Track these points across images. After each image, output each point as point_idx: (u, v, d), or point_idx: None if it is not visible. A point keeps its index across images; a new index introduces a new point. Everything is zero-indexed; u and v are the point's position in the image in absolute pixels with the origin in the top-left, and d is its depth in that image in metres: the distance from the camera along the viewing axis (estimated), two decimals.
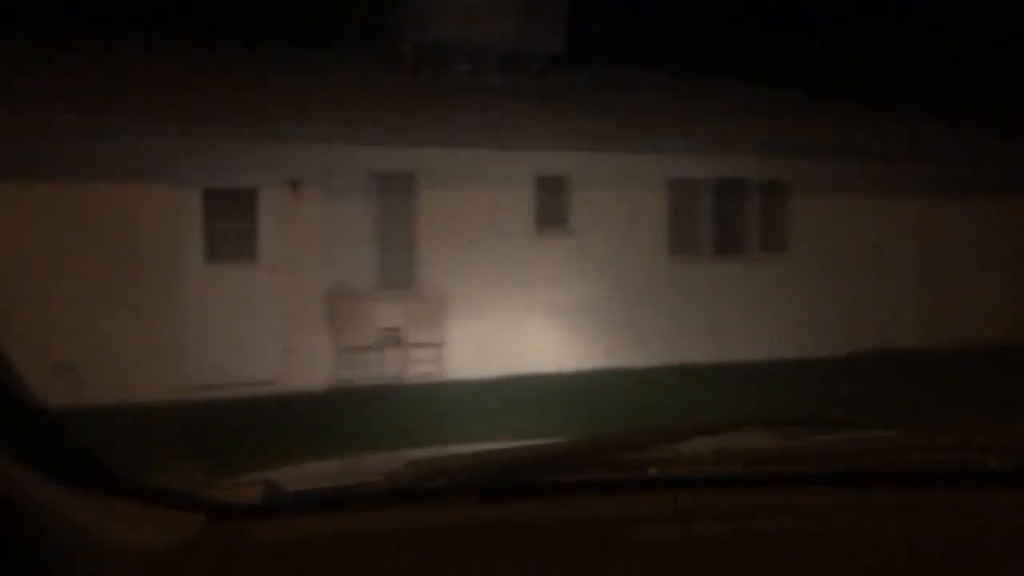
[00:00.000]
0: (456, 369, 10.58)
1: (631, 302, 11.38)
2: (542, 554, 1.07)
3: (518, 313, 10.88)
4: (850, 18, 16.58)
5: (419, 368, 10.47)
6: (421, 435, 7.28)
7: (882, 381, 10.24)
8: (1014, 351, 11.75)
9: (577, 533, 1.11)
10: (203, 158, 9.74)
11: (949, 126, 13.51)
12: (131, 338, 9.42)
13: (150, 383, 9.35)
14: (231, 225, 9.98)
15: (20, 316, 9.04)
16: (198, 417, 8.69)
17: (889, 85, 14.95)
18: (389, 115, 10.44)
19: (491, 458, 1.25)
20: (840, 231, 12.43)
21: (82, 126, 9.15)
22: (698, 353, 11.25)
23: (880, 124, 13.23)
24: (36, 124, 9.09)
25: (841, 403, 9.07)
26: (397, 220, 10.61)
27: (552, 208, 11.17)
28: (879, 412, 8.37)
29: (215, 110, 9.67)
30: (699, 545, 1.09)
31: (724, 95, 13.13)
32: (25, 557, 0.74)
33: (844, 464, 1.28)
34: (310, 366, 10.12)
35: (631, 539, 1.10)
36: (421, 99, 11.06)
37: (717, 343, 11.49)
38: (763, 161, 11.84)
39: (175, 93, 9.84)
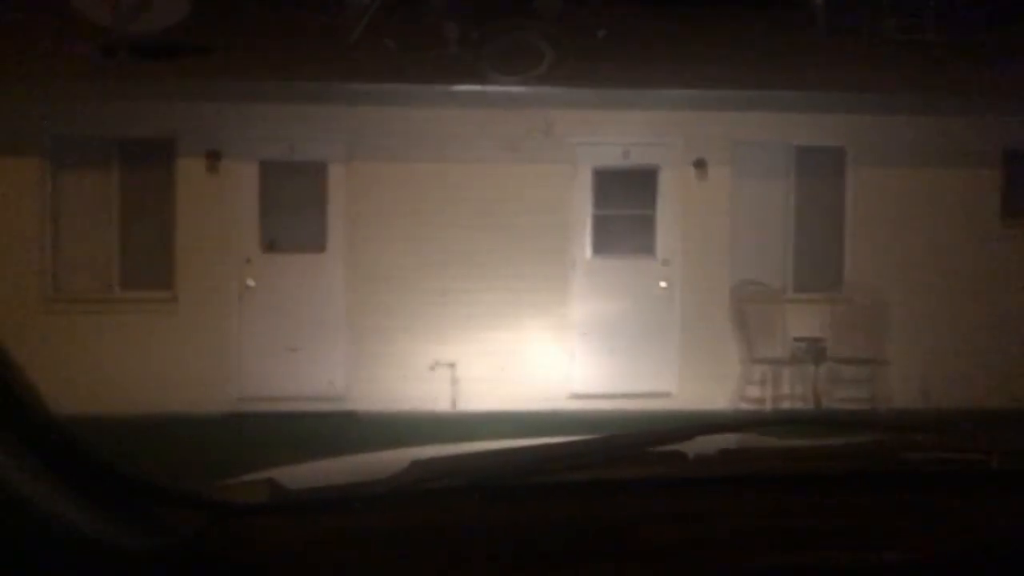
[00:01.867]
0: (894, 394, 8.36)
1: None
2: (544, 554, 1.01)
3: (977, 327, 8.43)
4: None
5: (847, 391, 8.37)
6: None
7: None
8: None
9: (579, 533, 1.05)
10: (591, 129, 8.39)
11: None
12: (512, 342, 8.24)
13: (532, 391, 8.14)
14: (623, 211, 8.54)
15: (409, 311, 8.22)
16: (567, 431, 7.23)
17: None
18: (811, 77, 8.47)
19: (494, 458, 1.24)
20: None
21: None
22: None
23: None
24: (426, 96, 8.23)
25: None
26: (820, 205, 8.64)
27: None
28: None
29: (606, 72, 8.26)
30: (702, 545, 1.03)
31: None
32: (25, 557, 0.72)
33: (846, 464, 1.27)
34: (710, 379, 8.40)
35: (634, 539, 1.04)
36: (846, 59, 8.96)
37: None
38: None
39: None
